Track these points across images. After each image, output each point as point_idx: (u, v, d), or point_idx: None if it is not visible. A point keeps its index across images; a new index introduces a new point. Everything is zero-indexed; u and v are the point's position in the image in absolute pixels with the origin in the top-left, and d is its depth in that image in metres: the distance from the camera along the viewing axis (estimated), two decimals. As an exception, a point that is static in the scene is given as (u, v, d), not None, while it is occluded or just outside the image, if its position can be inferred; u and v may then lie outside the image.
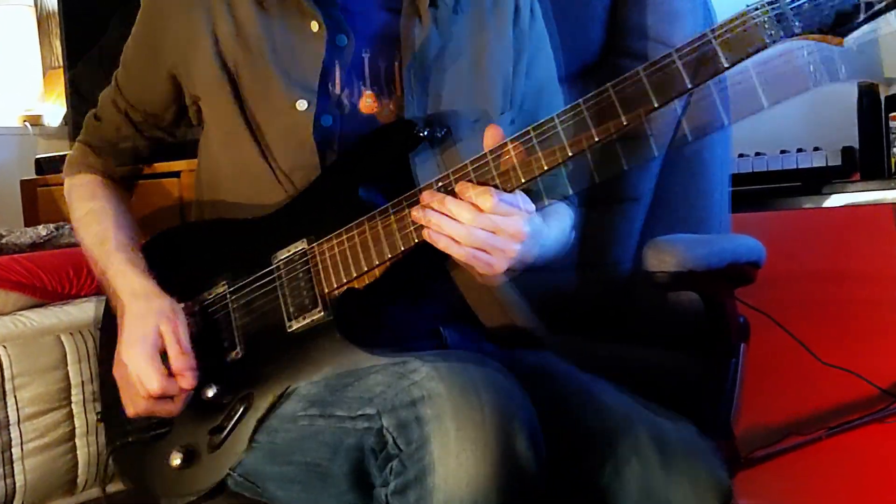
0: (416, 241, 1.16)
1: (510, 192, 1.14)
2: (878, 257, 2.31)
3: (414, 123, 1.24)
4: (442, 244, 1.14)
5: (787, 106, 2.35)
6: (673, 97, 1.07)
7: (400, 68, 1.31)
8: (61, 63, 2.90)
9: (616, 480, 1.15)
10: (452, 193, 1.14)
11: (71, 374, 1.80)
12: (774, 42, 1.04)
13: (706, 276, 1.46)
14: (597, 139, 1.09)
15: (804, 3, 1.04)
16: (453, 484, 1.00)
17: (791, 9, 1.03)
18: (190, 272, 1.34)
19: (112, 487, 1.39)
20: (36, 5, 3.26)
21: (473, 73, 1.34)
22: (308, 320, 1.22)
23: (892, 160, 2.03)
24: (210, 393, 1.25)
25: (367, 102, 1.31)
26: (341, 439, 1.11)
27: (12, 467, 1.72)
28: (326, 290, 1.21)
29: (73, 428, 1.81)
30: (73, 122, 2.79)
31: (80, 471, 1.82)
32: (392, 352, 1.17)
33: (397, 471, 1.04)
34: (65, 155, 1.52)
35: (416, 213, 1.15)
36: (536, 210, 1.18)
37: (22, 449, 1.74)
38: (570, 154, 1.11)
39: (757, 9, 1.04)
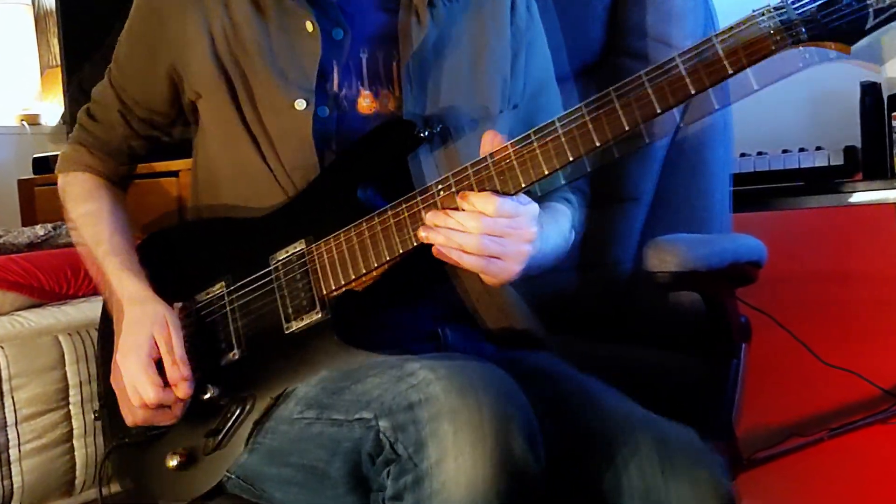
0: (415, 243, 1.16)
1: (511, 195, 1.13)
2: (880, 257, 2.31)
3: (412, 123, 1.24)
4: (453, 258, 1.14)
5: (790, 105, 2.36)
6: (675, 103, 1.06)
7: (398, 67, 1.31)
8: (59, 62, 2.90)
9: (616, 482, 1.15)
10: (452, 199, 1.14)
11: (69, 375, 1.81)
12: (781, 48, 1.03)
13: (707, 276, 1.46)
14: (598, 144, 1.09)
15: (811, 8, 1.02)
16: (451, 487, 0.99)
17: (798, 15, 1.02)
18: (187, 272, 1.33)
19: (108, 490, 1.39)
20: (33, 4, 3.26)
21: (472, 72, 1.33)
22: (306, 322, 1.21)
23: (895, 160, 2.02)
24: (207, 395, 1.24)
25: (366, 102, 1.31)
26: (339, 442, 1.10)
27: (10, 468, 1.72)
28: (325, 292, 1.21)
29: (71, 429, 1.81)
30: (71, 121, 2.78)
31: (77, 472, 1.82)
32: (390, 353, 1.17)
33: (395, 474, 1.03)
34: (58, 162, 1.51)
35: (422, 234, 1.15)
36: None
37: (19, 450, 1.74)
38: (570, 159, 1.10)
39: (763, 14, 1.03)
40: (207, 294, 1.30)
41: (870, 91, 2.04)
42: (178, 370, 1.22)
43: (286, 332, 1.22)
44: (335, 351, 1.19)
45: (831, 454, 2.26)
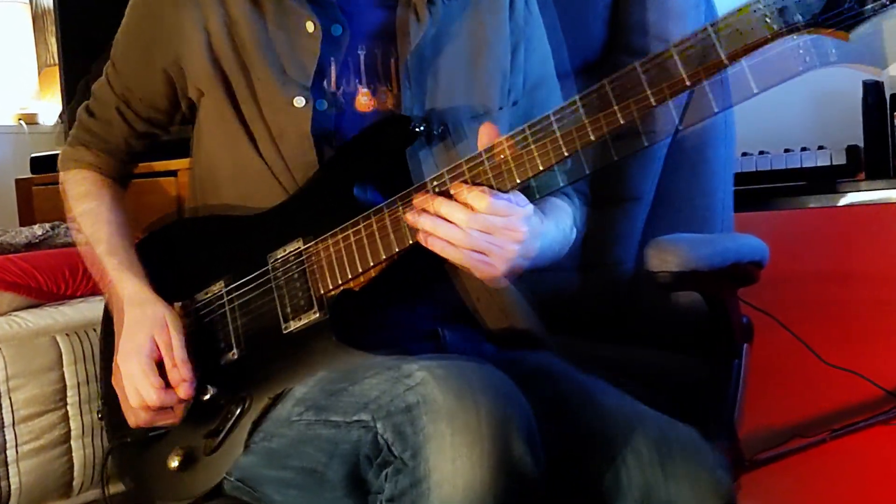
0: (411, 241, 1.15)
1: (506, 191, 1.13)
2: (882, 257, 2.30)
3: (409, 119, 1.23)
4: (437, 248, 1.13)
5: (792, 104, 2.36)
6: (671, 95, 1.04)
7: (397, 65, 1.30)
8: (57, 61, 2.89)
9: (617, 482, 1.15)
10: (447, 193, 1.13)
11: (67, 376, 1.81)
12: (777, 36, 1.01)
13: (709, 276, 1.45)
14: (593, 137, 1.08)
15: (808, -5, 1.01)
16: (449, 490, 0.99)
17: (795, 2, 1.00)
18: (186, 271, 1.33)
19: (108, 490, 1.39)
20: (31, 2, 3.26)
21: (471, 69, 1.33)
22: (304, 322, 1.21)
23: (898, 159, 2.02)
24: (207, 395, 1.24)
25: (364, 100, 1.30)
26: (337, 444, 1.10)
27: (7, 470, 1.72)
28: (322, 291, 1.21)
29: (69, 430, 1.81)
30: (69, 120, 2.77)
31: (75, 473, 1.82)
32: (389, 354, 1.17)
33: (393, 477, 1.03)
34: (58, 159, 1.51)
35: (411, 218, 1.14)
36: (534, 207, 1.17)
37: (17, 451, 1.74)
38: (565, 153, 1.09)
39: (759, 2, 1.01)
40: (206, 293, 1.30)
41: (872, 90, 2.04)
42: (179, 372, 1.23)
43: (284, 331, 1.22)
44: (333, 351, 1.19)
45: (834, 455, 2.26)
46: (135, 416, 1.26)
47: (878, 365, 2.26)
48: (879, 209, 2.10)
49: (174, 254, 1.37)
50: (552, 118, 1.09)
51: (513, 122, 1.34)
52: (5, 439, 1.72)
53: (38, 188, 2.69)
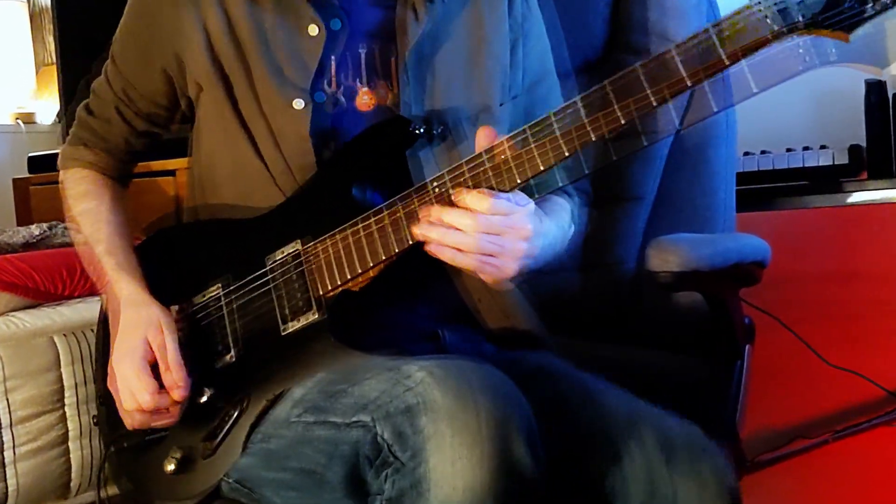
0: (411, 242, 1.15)
1: (507, 192, 1.12)
2: (885, 257, 2.30)
3: (409, 120, 1.23)
4: (447, 256, 1.13)
5: (794, 103, 2.35)
6: (671, 95, 1.04)
7: (397, 63, 1.30)
8: (54, 60, 2.89)
9: (620, 481, 1.15)
10: (448, 195, 1.13)
11: (64, 377, 1.81)
12: (778, 37, 1.01)
13: (710, 276, 1.45)
14: (593, 138, 1.08)
15: (810, -4, 1.01)
16: (449, 491, 0.99)
17: (796, 3, 1.00)
18: (184, 273, 1.33)
19: (105, 492, 1.38)
20: (29, 1, 3.26)
21: (471, 66, 1.32)
22: (302, 323, 1.21)
23: (900, 158, 2.01)
24: (204, 398, 1.24)
25: (365, 99, 1.30)
26: (336, 445, 1.10)
27: (4, 471, 1.72)
28: (321, 292, 1.20)
29: (67, 431, 1.81)
30: (67, 119, 2.77)
31: (73, 474, 1.82)
32: (388, 355, 1.16)
33: (393, 479, 1.03)
34: (58, 153, 1.51)
35: (417, 231, 1.14)
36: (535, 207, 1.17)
37: (14, 452, 1.74)
38: (566, 154, 1.09)
39: (760, 3, 1.01)
40: (204, 296, 1.29)
41: (875, 89, 2.04)
42: (173, 374, 1.22)
43: (283, 333, 1.22)
44: (332, 352, 1.19)
45: (836, 456, 2.26)
46: (130, 419, 1.26)
47: (881, 366, 2.26)
48: (882, 209, 2.10)
49: (173, 257, 1.37)
50: (553, 118, 1.09)
51: (513, 118, 1.34)
52: (3, 440, 1.72)
53: (36, 188, 2.69)
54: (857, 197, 2.02)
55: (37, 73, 3.27)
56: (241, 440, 1.20)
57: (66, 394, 1.80)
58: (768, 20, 1.01)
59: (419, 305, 1.30)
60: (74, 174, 1.44)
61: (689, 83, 1.03)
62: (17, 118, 3.22)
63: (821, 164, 2.10)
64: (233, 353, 1.26)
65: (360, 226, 1.18)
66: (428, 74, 1.29)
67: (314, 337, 1.20)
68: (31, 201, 2.70)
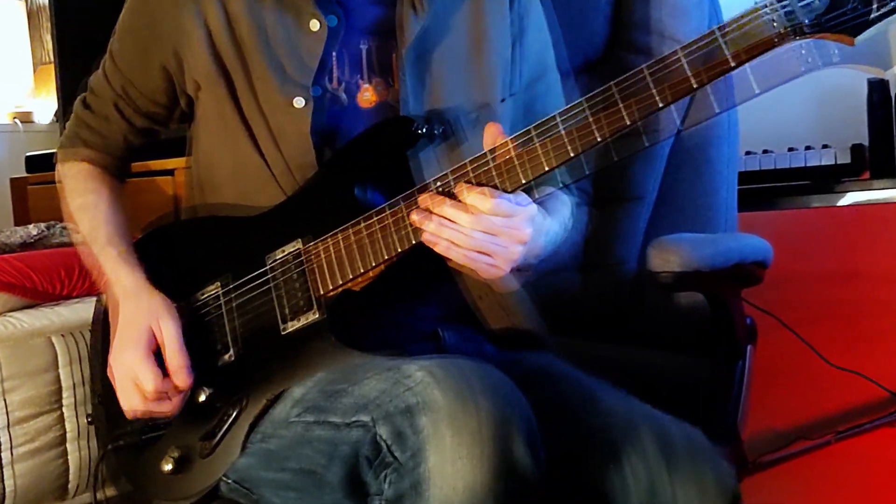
0: (413, 241, 1.15)
1: (510, 192, 1.13)
2: (887, 257, 2.30)
3: (411, 120, 1.23)
4: (441, 248, 1.13)
5: (796, 102, 2.35)
6: (677, 97, 1.05)
7: (397, 59, 1.29)
8: (52, 58, 2.89)
9: (620, 483, 1.15)
10: (451, 194, 1.13)
11: (62, 377, 1.81)
12: (784, 41, 1.02)
13: (712, 276, 1.44)
14: (599, 139, 1.08)
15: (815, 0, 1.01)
16: (449, 492, 0.99)
17: (801, 6, 1.01)
18: (183, 271, 1.33)
19: (103, 493, 1.38)
20: (26, 0, 3.25)
21: (472, 62, 1.32)
22: (303, 322, 1.21)
23: (903, 158, 2.01)
24: (203, 397, 1.24)
25: (366, 96, 1.30)
26: (336, 446, 1.10)
27: (2, 472, 1.73)
28: (321, 292, 1.20)
29: (65, 432, 1.81)
30: (65, 118, 2.77)
31: (71, 475, 1.82)
32: (388, 355, 1.16)
33: (392, 479, 1.03)
34: (56, 152, 1.50)
35: (415, 217, 1.14)
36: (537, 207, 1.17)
37: (12, 453, 1.74)
38: (571, 155, 1.09)
39: (766, 6, 1.01)
40: (203, 294, 1.29)
41: (877, 88, 2.04)
42: (178, 358, 1.23)
43: (282, 332, 1.22)
44: (332, 352, 1.19)
45: (838, 457, 2.26)
46: (131, 407, 1.25)
47: (883, 366, 2.25)
48: (884, 208, 2.10)
49: (171, 254, 1.36)
50: (558, 119, 1.10)
51: (514, 114, 1.34)
52: (0, 442, 1.71)
53: (34, 187, 2.70)
54: (859, 197, 2.02)
55: (34, 71, 3.27)
56: (239, 440, 1.20)
57: (64, 394, 1.80)
58: (774, 23, 1.01)
59: (420, 305, 1.30)
60: (71, 168, 1.43)
61: (694, 85, 1.04)
62: (14, 117, 3.22)
63: (823, 163, 2.10)
64: (232, 352, 1.25)
65: (362, 225, 1.18)
66: (428, 70, 1.29)
67: (314, 336, 1.20)
68: (28, 201, 2.70)
